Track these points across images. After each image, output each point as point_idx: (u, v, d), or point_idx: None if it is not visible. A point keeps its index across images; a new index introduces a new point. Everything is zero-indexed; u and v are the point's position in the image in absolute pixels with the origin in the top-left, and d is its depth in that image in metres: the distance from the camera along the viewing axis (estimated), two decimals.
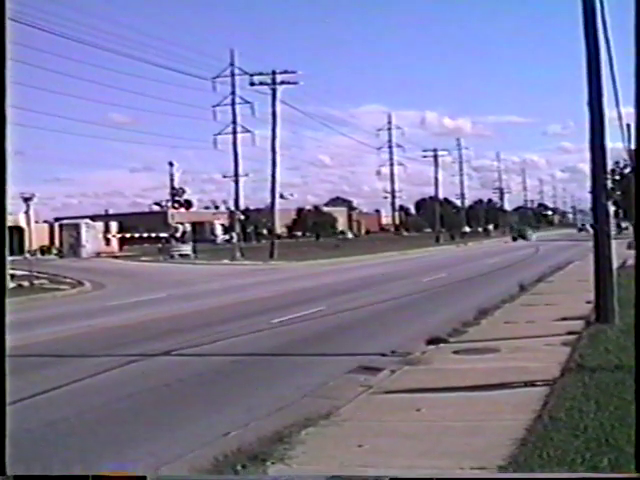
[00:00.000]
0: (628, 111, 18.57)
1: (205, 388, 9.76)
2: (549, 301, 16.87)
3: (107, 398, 9.16)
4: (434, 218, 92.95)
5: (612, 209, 14.14)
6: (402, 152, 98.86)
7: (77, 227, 60.11)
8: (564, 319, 13.35)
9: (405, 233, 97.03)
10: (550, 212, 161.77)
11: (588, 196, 12.80)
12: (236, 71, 56.88)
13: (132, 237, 67.23)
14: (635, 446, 5.18)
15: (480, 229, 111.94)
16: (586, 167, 12.47)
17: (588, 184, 12.60)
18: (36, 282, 28.49)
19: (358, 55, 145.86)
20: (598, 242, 12.35)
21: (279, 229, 70.28)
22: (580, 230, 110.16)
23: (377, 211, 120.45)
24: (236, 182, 56.57)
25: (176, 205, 57.85)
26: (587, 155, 12.23)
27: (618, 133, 21.79)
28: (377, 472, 5.53)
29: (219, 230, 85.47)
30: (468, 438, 6.29)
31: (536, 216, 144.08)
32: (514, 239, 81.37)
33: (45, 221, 63.74)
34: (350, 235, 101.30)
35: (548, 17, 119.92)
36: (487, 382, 8.47)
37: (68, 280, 31.13)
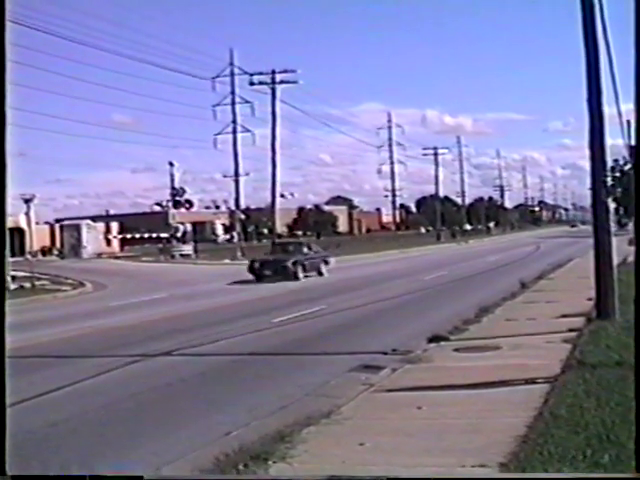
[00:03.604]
0: (628, 107, 18.57)
1: (207, 388, 9.77)
2: (550, 298, 16.88)
3: (109, 398, 9.17)
4: (435, 216, 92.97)
5: (612, 206, 14.13)
6: (402, 150, 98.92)
7: (78, 228, 60.12)
8: (565, 316, 13.36)
9: (400, 232, 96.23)
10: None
11: (588, 193, 12.78)
12: (236, 71, 57.03)
13: (133, 237, 67.29)
14: (635, 446, 5.18)
15: (481, 227, 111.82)
16: (587, 164, 12.46)
17: (588, 181, 12.58)
18: (37, 283, 28.52)
19: (357, 53, 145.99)
20: (598, 239, 12.34)
21: (280, 228, 70.35)
22: (573, 226, 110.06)
23: (378, 210, 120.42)
24: (236, 182, 56.68)
25: (177, 205, 57.89)
26: (587, 152, 12.24)
27: (618, 130, 21.77)
28: (378, 470, 5.54)
29: (220, 230, 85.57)
30: (469, 436, 6.30)
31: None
32: (255, 274, 29.24)
33: (46, 222, 63.76)
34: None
35: (548, 14, 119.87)
36: (488, 380, 8.48)
37: (69, 281, 31.15)
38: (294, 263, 28.49)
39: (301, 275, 28.37)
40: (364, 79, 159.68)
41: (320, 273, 29.99)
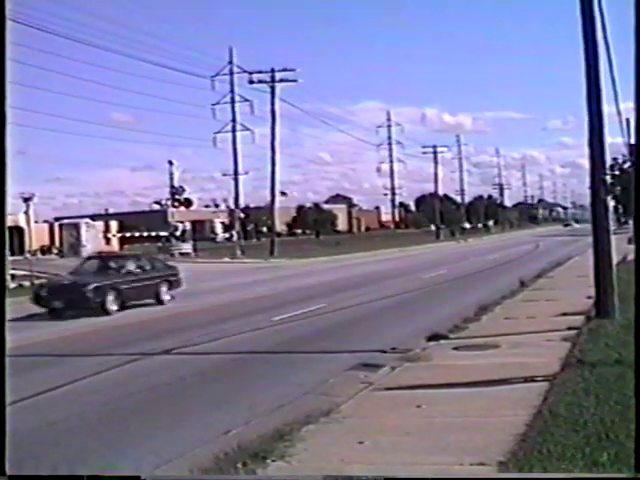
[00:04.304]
0: (627, 106, 18.58)
1: (206, 386, 9.77)
2: (549, 297, 16.89)
3: (108, 397, 9.17)
4: (434, 214, 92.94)
5: (612, 204, 14.10)
6: (402, 149, 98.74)
7: (77, 227, 60.01)
8: (564, 314, 13.35)
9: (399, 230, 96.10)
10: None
11: (588, 191, 12.76)
12: (235, 69, 56.84)
13: (132, 236, 67.12)
14: (635, 446, 5.17)
15: (480, 225, 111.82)
16: (586, 162, 12.45)
17: (588, 179, 12.57)
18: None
19: (356, 52, 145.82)
20: (598, 237, 12.32)
21: (279, 227, 70.25)
22: (566, 225, 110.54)
23: (377, 208, 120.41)
24: (236, 180, 56.56)
25: (176, 204, 57.91)
26: (587, 150, 12.22)
27: (618, 128, 21.79)
28: (377, 469, 5.54)
29: (219, 228, 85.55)
30: (468, 434, 6.29)
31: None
32: (44, 306, 18.85)
33: (45, 221, 63.68)
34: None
35: (547, 12, 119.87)
36: (487, 378, 8.48)
37: None
38: (97, 289, 18.64)
39: (113, 307, 18.78)
40: (363, 77, 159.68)
41: (159, 301, 20.52)
